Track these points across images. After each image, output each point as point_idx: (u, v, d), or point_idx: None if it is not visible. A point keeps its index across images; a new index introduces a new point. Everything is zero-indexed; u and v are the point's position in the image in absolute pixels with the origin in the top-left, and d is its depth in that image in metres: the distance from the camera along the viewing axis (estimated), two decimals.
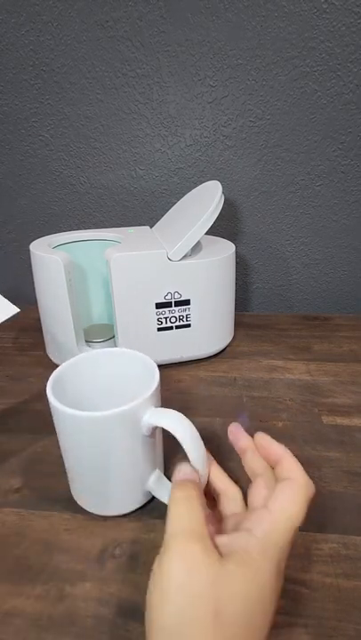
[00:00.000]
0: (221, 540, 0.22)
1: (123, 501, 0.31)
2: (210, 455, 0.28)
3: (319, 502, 0.32)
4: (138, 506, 0.31)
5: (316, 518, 0.30)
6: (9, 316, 0.39)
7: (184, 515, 0.22)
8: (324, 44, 0.51)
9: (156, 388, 0.29)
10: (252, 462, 0.27)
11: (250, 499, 0.25)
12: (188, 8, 0.51)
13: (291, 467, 0.25)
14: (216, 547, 0.21)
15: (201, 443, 0.27)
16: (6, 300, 0.39)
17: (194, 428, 0.27)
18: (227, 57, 0.53)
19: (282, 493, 0.23)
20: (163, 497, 0.30)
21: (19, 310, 0.39)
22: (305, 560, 0.28)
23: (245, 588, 0.19)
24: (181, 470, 0.26)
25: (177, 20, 0.51)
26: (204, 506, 0.24)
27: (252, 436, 0.28)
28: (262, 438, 0.28)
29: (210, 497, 0.28)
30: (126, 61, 0.54)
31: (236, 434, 0.29)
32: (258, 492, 0.25)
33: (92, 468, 0.29)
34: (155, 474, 0.31)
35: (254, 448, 0.28)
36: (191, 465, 0.26)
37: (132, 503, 0.31)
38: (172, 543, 0.21)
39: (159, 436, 0.32)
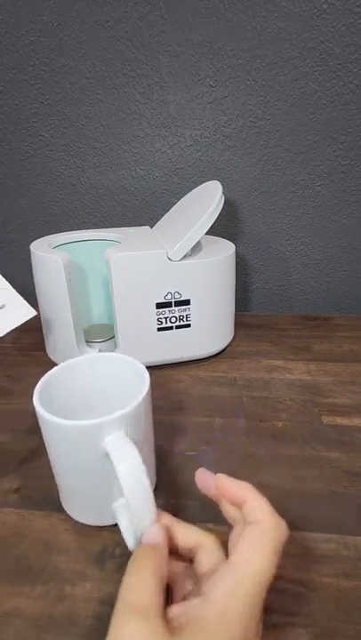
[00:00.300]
0: (177, 609, 0.20)
1: (98, 514, 0.29)
2: (170, 516, 0.24)
3: (319, 502, 0.32)
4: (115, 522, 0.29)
5: (316, 518, 0.30)
6: (26, 319, 0.38)
7: (134, 588, 0.20)
8: (324, 44, 0.51)
9: (130, 412, 0.26)
10: (229, 507, 0.24)
11: (228, 548, 0.23)
12: (188, 8, 0.51)
13: (256, 506, 0.22)
14: (170, 620, 0.19)
15: (151, 504, 0.23)
16: (26, 303, 0.39)
17: (145, 480, 0.23)
18: (227, 57, 0.53)
19: (246, 542, 0.20)
20: (122, 527, 0.27)
21: (36, 313, 0.39)
22: (305, 560, 0.27)
23: None
24: (146, 533, 0.23)
25: (177, 21, 0.51)
26: (163, 573, 0.21)
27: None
28: (220, 481, 0.24)
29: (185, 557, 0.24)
30: (126, 61, 0.54)
31: (205, 480, 0.25)
32: (232, 539, 0.23)
33: (64, 476, 0.29)
34: (121, 501, 0.28)
35: None
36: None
37: (110, 518, 0.29)
38: (116, 621, 0.19)
39: None
